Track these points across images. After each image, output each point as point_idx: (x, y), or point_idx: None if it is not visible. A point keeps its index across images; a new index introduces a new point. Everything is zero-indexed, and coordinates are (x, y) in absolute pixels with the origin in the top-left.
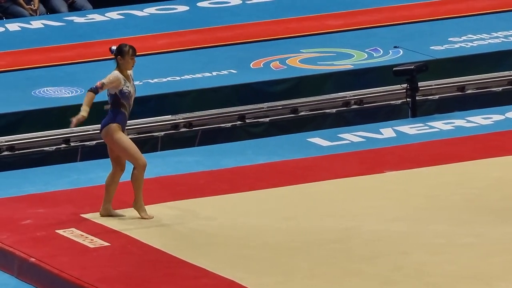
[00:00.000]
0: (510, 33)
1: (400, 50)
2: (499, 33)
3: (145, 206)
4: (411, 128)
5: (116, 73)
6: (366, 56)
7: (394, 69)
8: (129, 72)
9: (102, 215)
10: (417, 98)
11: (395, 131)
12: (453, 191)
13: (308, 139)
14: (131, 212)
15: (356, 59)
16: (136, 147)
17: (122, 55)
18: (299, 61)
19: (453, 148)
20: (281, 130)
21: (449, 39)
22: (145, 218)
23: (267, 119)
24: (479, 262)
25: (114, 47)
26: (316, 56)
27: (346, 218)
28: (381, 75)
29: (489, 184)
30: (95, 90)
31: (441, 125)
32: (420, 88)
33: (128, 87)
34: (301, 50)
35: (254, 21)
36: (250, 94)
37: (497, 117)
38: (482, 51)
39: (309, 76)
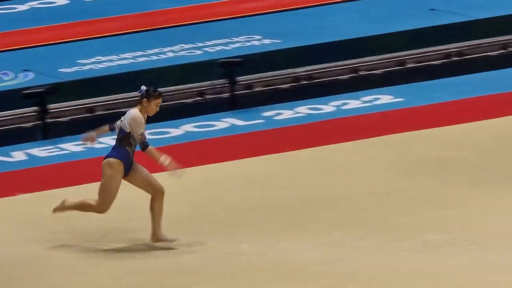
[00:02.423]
0: (138, 54)
1: (30, 73)
2: (127, 54)
3: None
4: (41, 151)
5: (139, 114)
6: None
7: (23, 92)
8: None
9: (154, 242)
10: (47, 120)
11: (26, 154)
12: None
13: None
14: None
15: None
16: (115, 197)
17: (149, 99)
18: None
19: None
20: None
21: (78, 61)
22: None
23: None
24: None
25: (143, 87)
26: None
27: None
28: (12, 99)
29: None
30: (146, 143)
31: (72, 146)
32: (51, 111)
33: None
34: None
35: None
36: None
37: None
38: (112, 72)
39: None
